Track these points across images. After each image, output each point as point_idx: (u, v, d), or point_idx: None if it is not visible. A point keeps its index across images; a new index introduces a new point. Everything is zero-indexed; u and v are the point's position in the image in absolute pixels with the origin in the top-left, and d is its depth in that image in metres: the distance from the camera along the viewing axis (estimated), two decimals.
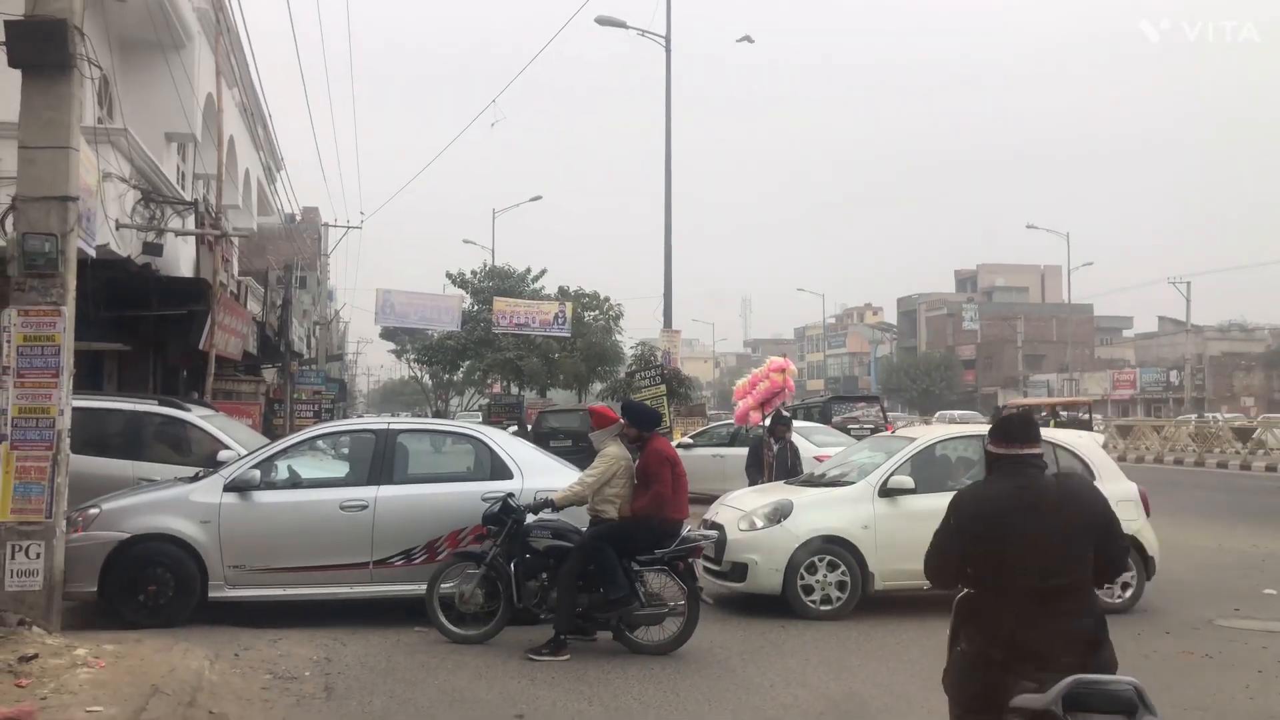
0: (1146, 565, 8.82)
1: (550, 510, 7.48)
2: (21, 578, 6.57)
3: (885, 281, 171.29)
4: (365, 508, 7.86)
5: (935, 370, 76.50)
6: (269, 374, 27.17)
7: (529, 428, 27.14)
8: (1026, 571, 3.56)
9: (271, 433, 20.53)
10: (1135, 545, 8.81)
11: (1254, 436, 25.98)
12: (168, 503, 7.85)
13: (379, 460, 8.19)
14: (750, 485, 11.41)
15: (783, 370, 12.92)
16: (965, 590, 3.86)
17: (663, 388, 20.87)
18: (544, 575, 7.38)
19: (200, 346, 15.06)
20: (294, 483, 8.22)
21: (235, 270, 20.57)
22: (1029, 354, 77.44)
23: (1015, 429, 3.85)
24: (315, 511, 7.91)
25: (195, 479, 8.17)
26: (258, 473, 7.96)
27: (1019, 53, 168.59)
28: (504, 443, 8.71)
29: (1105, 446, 10.17)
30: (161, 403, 10.82)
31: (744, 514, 8.87)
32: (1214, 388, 63.94)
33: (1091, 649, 3.50)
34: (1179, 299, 56.87)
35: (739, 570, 8.58)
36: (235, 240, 18.98)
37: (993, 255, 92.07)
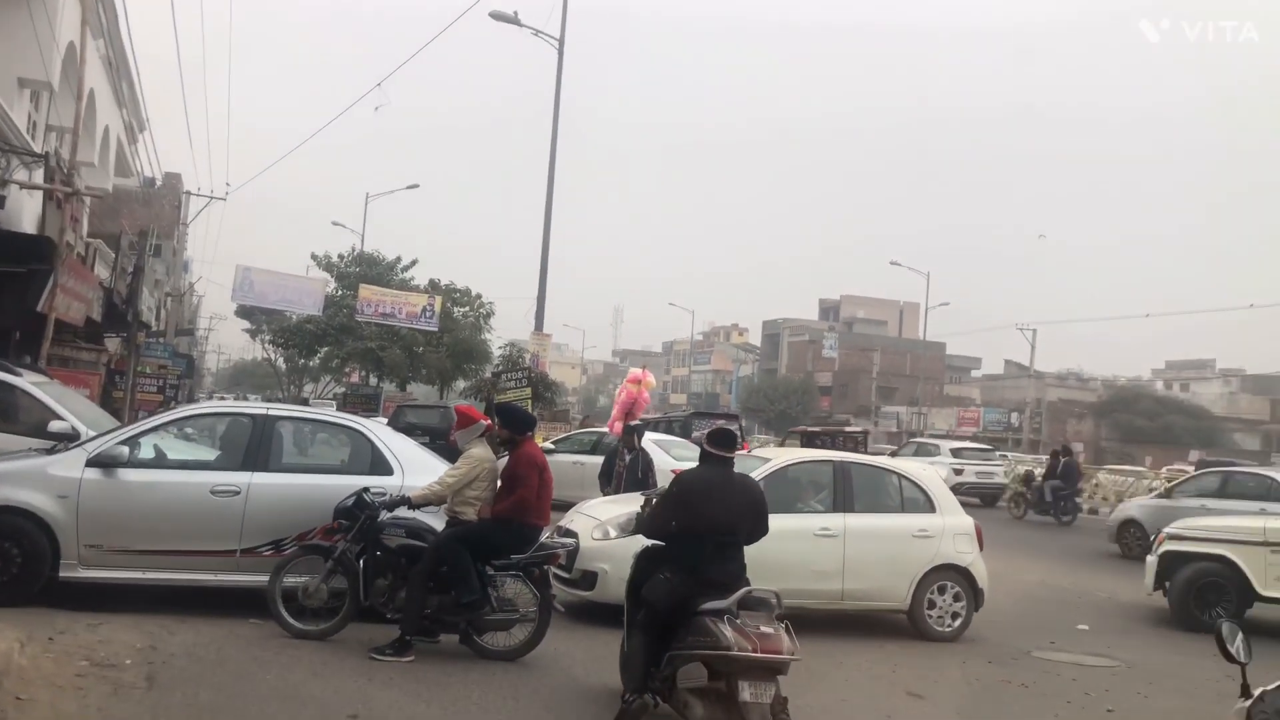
0: (976, 597, 9.24)
1: (407, 508, 7.34)
2: None
3: (754, 302, 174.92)
4: (237, 494, 7.58)
5: (793, 394, 78.51)
6: (112, 344, 25.72)
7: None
8: (715, 529, 5.69)
9: (110, 405, 19.48)
10: (966, 577, 9.25)
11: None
12: (22, 474, 7.37)
13: (255, 446, 7.89)
14: (601, 494, 11.42)
15: (638, 381, 13.04)
16: (645, 548, 6.24)
17: (528, 391, 20.77)
18: (394, 574, 7.22)
19: (38, 308, 14.14)
20: (163, 462, 7.85)
21: (85, 231, 19.45)
22: (882, 385, 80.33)
23: (724, 440, 6.01)
24: (184, 494, 7.59)
25: (53, 450, 7.70)
26: (126, 449, 7.56)
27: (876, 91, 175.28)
28: (385, 437, 8.51)
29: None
30: None
31: (599, 523, 8.90)
32: (1049, 431, 67.72)
33: (742, 582, 5.58)
34: (1025, 344, 60.07)
35: (589, 579, 8.59)
36: (87, 200, 17.92)
37: (856, 287, 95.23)
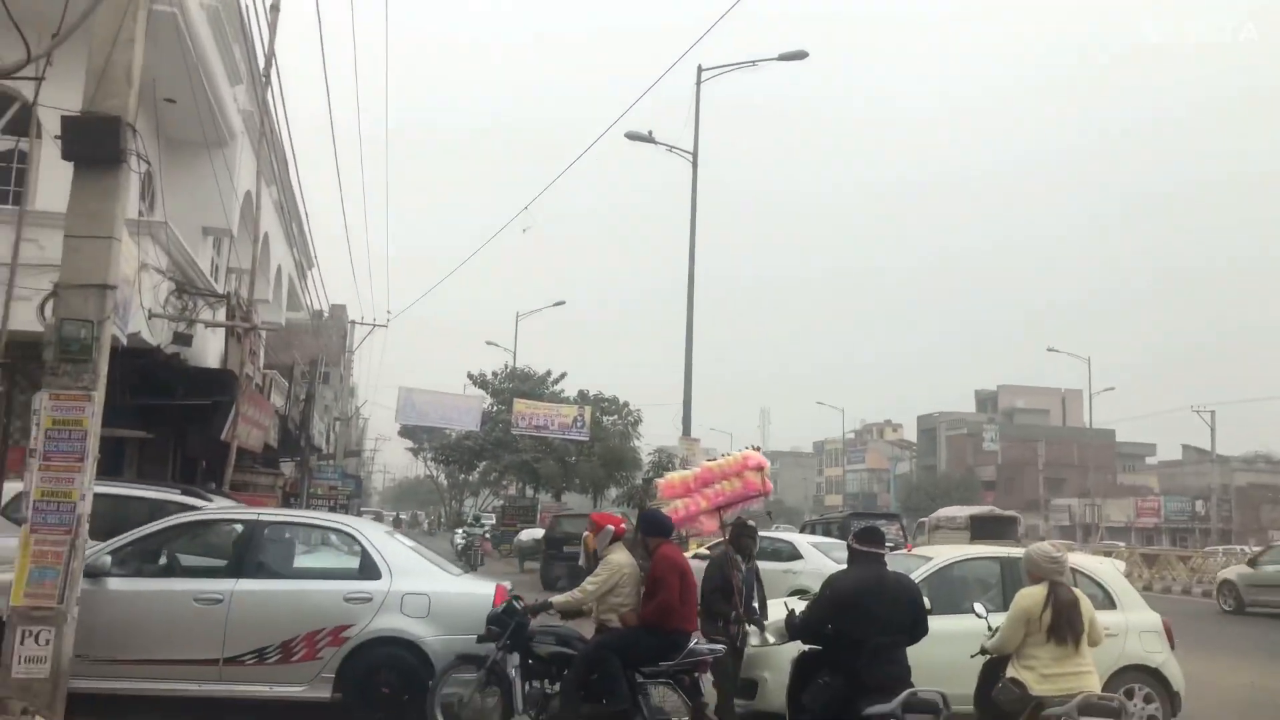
0: (1172, 701, 8.46)
1: (553, 614, 7.37)
2: (29, 664, 6.51)
3: (906, 398, 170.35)
4: (220, 601, 7.45)
5: (955, 490, 75.67)
6: (287, 467, 27.24)
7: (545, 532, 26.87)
8: (871, 630, 5.60)
9: None
10: (1159, 678, 8.52)
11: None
12: (6, 586, 7.23)
13: (241, 551, 7.88)
14: (711, 620, 8.05)
15: (761, 468, 10.14)
16: (802, 653, 6.42)
17: None
18: (546, 682, 7.23)
19: (222, 437, 15.17)
20: (148, 570, 7.83)
21: (261, 363, 20.85)
22: (1050, 477, 76.53)
23: (872, 537, 6.03)
24: (168, 602, 7.51)
25: None
26: (109, 559, 7.56)
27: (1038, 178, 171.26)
28: (377, 540, 8.20)
29: (1129, 575, 9.92)
30: (184, 492, 10.82)
31: (756, 629, 8.69)
32: (1240, 519, 62.70)
33: (906, 685, 5.46)
34: (1203, 427, 56.39)
35: (748, 687, 8.35)
36: (263, 334, 19.29)
37: (1013, 376, 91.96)
